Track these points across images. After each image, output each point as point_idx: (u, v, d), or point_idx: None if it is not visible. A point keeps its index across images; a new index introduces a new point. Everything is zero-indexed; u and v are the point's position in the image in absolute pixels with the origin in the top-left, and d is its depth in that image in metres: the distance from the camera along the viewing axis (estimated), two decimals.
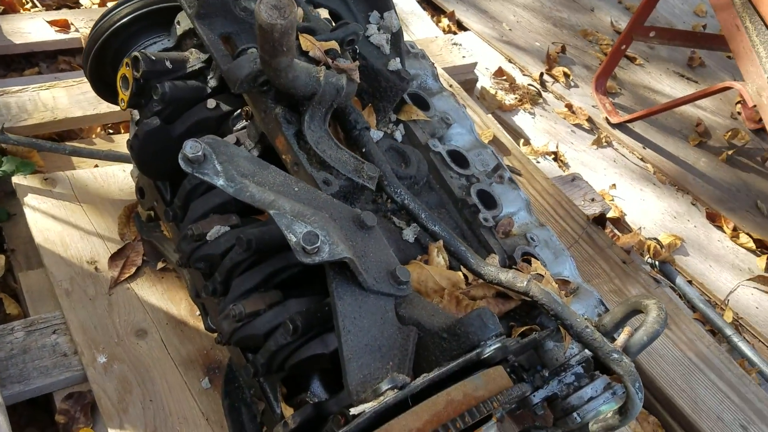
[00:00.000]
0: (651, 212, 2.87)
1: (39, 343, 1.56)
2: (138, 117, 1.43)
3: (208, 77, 1.39)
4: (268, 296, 1.23)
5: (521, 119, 3.15)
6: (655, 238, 2.62)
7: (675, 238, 2.73)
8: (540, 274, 1.41)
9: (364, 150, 1.41)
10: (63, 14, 2.82)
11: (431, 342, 1.06)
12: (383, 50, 1.58)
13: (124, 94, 1.36)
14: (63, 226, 1.79)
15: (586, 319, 1.44)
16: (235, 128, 1.39)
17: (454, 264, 1.39)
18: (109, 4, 2.99)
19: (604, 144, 3.18)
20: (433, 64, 1.87)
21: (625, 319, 1.42)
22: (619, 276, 2.07)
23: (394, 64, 1.55)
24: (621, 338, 1.29)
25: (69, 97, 2.14)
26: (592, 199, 2.50)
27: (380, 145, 1.51)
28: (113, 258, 1.74)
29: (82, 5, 2.98)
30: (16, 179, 1.85)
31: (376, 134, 1.56)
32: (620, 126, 3.25)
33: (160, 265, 1.76)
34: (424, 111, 1.71)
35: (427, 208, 1.55)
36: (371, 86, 1.56)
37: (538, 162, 2.74)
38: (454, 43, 2.98)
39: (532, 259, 1.46)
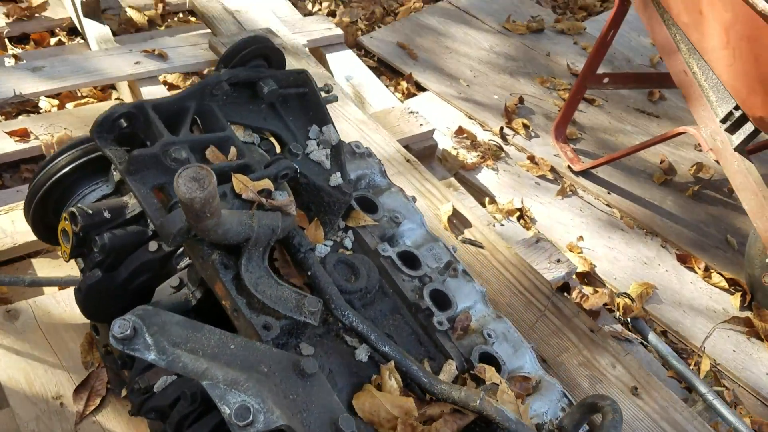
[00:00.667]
0: (621, 260, 2.89)
1: None
2: (83, 265, 1.44)
3: (149, 220, 1.40)
4: None
5: (485, 176, 3.19)
6: (626, 293, 2.63)
7: (647, 287, 2.74)
8: (495, 383, 1.42)
9: (309, 273, 1.43)
10: (21, 122, 2.84)
11: None
12: (324, 165, 1.60)
13: (65, 247, 1.38)
14: (27, 362, 1.79)
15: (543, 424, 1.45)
16: (178, 266, 1.40)
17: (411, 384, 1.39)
18: (68, 106, 3.03)
19: (569, 193, 3.21)
20: (379, 161, 1.90)
21: (584, 419, 1.43)
22: (588, 346, 2.07)
23: (335, 179, 1.58)
24: None
25: None
26: (557, 260, 2.52)
27: (328, 261, 1.52)
28: (77, 390, 1.74)
29: (41, 109, 3.01)
30: None
31: (323, 249, 1.58)
32: (584, 173, 3.29)
33: (124, 392, 1.75)
34: (372, 214, 1.73)
35: (382, 315, 1.57)
36: (315, 202, 1.59)
37: (502, 225, 2.76)
38: (411, 112, 3.02)
39: (486, 368, 1.47)
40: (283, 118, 1.62)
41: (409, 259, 1.67)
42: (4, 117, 2.90)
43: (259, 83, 1.56)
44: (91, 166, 1.45)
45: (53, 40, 3.43)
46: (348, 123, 2.69)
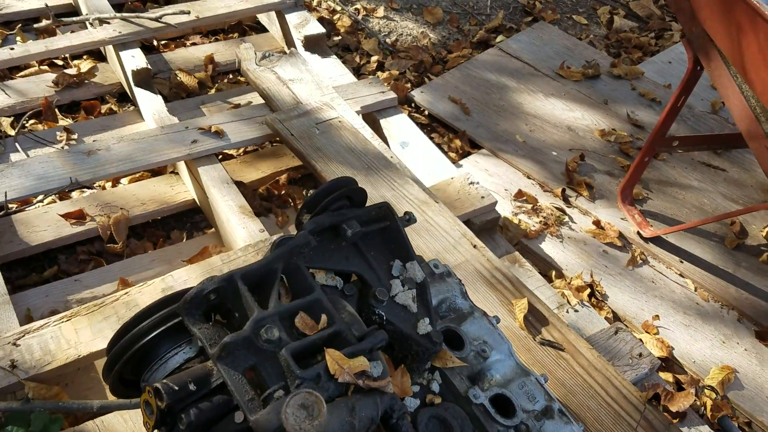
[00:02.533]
0: (699, 340, 2.74)
1: None
2: None
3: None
4: None
5: (549, 246, 3.06)
6: (711, 386, 2.49)
7: (728, 372, 2.59)
8: None
9: None
10: (76, 202, 2.81)
11: None
12: (410, 309, 1.51)
13: (148, 419, 1.30)
14: None
15: None
16: None
17: None
18: (123, 181, 2.99)
19: (639, 262, 3.06)
20: (459, 281, 1.79)
21: None
22: None
23: (423, 326, 1.48)
24: None
25: (91, 326, 2.09)
26: (639, 354, 2.39)
27: (421, 419, 1.43)
28: None
29: (94, 186, 2.97)
30: None
31: (413, 402, 1.48)
32: (654, 239, 3.14)
33: None
34: (458, 350, 1.62)
35: None
36: (402, 350, 1.49)
37: (576, 311, 2.63)
38: (471, 183, 2.91)
39: None
40: (365, 256, 1.53)
41: (503, 404, 1.57)
42: (58, 196, 2.86)
43: (342, 226, 1.47)
44: (174, 327, 1.37)
45: (104, 108, 3.40)
46: (410, 204, 2.59)
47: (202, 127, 2.85)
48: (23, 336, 2.04)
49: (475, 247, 2.50)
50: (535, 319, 2.27)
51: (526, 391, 1.64)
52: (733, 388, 2.57)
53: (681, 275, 3.03)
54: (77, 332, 2.08)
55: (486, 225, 2.90)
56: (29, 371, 1.95)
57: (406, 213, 1.64)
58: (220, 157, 3.04)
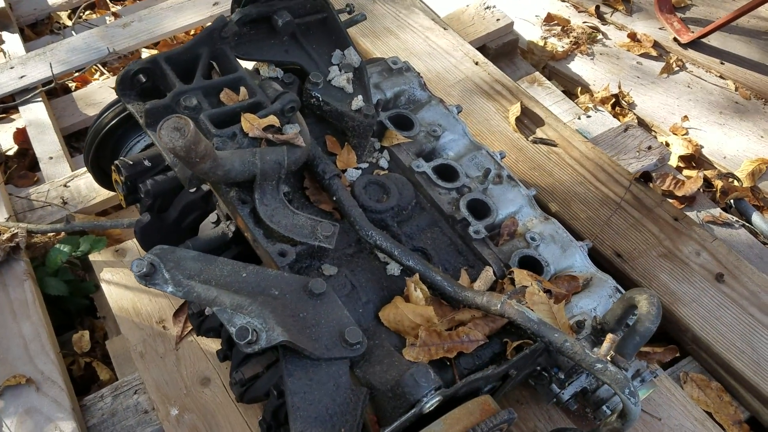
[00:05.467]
0: (733, 137, 2.63)
1: (123, 405, 1.83)
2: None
3: None
4: (265, 358, 1.36)
5: (578, 64, 3.00)
6: (729, 173, 2.42)
7: (760, 162, 2.49)
8: (525, 285, 1.42)
9: (335, 197, 1.49)
10: None
11: (383, 400, 1.14)
12: (346, 90, 1.62)
13: (121, 195, 1.54)
14: (134, 293, 2.04)
15: (576, 322, 1.43)
16: (217, 204, 1.52)
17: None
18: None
19: (675, 69, 2.93)
20: (418, 74, 1.87)
21: (626, 315, 1.40)
22: (670, 236, 1.96)
23: (357, 102, 1.60)
24: (604, 346, 1.28)
25: None
26: (649, 147, 2.36)
27: (358, 183, 1.57)
28: (176, 315, 1.97)
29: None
30: (93, 257, 2.14)
31: (354, 172, 1.62)
32: (693, 44, 2.98)
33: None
34: (408, 131, 1.73)
35: (419, 230, 1.61)
36: (342, 127, 1.62)
37: (589, 116, 2.61)
38: (487, 7, 2.88)
39: (517, 271, 1.47)
40: (305, 48, 1.65)
41: (447, 172, 1.67)
42: (112, 73, 3.17)
43: (273, 17, 1.59)
44: (134, 119, 1.58)
45: None
46: (413, 33, 2.64)
47: None
48: (72, 179, 2.38)
49: (476, 63, 2.52)
50: (531, 121, 2.31)
51: (476, 163, 1.73)
52: (766, 178, 2.48)
53: (721, 77, 2.88)
54: None
55: (504, 49, 2.89)
56: (77, 206, 2.29)
57: (347, 4, 1.73)
58: None
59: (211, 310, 1.44)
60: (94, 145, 1.61)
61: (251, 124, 1.36)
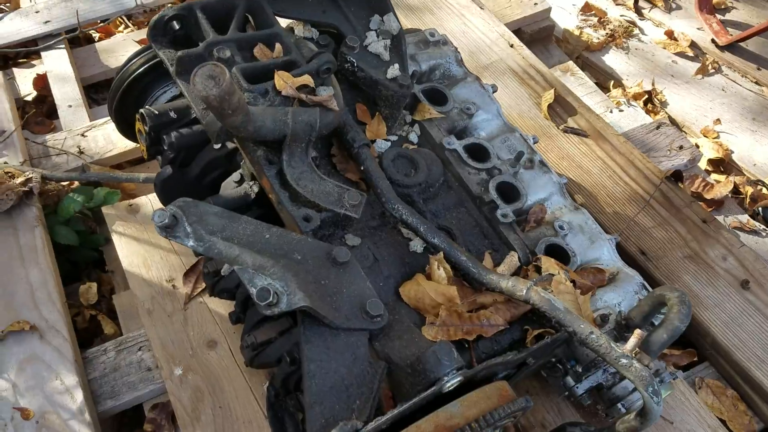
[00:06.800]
0: (765, 144, 2.57)
1: (127, 360, 1.79)
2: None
3: None
4: (279, 324, 1.33)
5: (613, 58, 2.93)
6: (760, 180, 2.36)
7: None
8: (552, 273, 1.37)
9: (362, 167, 1.45)
10: None
11: (402, 376, 1.10)
12: (382, 57, 1.57)
13: (143, 146, 1.50)
14: (145, 249, 2.01)
15: (602, 316, 1.39)
16: (242, 163, 1.48)
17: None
18: None
19: (711, 71, 2.86)
20: (455, 49, 1.82)
21: (653, 312, 1.35)
22: (697, 238, 1.91)
23: (392, 71, 1.54)
24: (631, 341, 1.23)
25: None
26: (680, 147, 2.30)
27: (386, 156, 1.52)
28: (187, 274, 1.93)
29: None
30: (106, 209, 2.10)
31: (383, 144, 1.58)
32: (730, 47, 2.90)
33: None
34: (441, 106, 1.68)
35: (445, 208, 1.56)
36: (374, 96, 1.57)
37: (621, 111, 2.55)
38: None
39: (544, 258, 1.42)
40: (343, 10, 1.59)
41: (478, 152, 1.63)
42: (137, 27, 3.11)
43: None
44: (162, 67, 1.53)
45: None
46: (449, 10, 2.58)
47: None
48: (90, 129, 2.33)
49: (512, 46, 2.46)
50: (563, 110, 2.25)
51: (508, 145, 1.68)
52: None
53: (757, 83, 2.81)
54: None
55: (539, 34, 2.83)
56: (94, 156, 2.25)
57: None
58: None
59: (229, 269, 1.40)
60: (120, 92, 1.57)
61: (285, 82, 1.31)
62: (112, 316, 1.99)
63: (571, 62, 2.80)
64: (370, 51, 1.56)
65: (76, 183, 2.14)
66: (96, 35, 3.02)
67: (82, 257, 2.12)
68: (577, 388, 1.46)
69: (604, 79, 2.87)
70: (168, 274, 1.96)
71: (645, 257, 1.87)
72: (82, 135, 2.31)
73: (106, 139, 2.30)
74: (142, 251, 2.00)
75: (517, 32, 2.74)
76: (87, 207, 2.10)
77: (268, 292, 1.06)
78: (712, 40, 2.93)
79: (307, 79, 1.33)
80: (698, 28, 3.00)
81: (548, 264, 1.40)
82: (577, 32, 2.98)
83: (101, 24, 2.92)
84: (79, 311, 1.99)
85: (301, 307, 1.08)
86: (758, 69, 2.83)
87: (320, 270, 1.16)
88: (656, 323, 1.33)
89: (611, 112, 2.53)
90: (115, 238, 2.03)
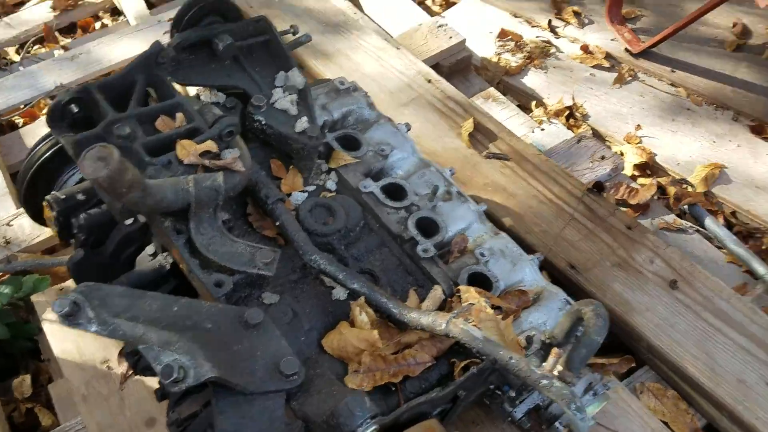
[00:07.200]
0: (686, 143, 2.64)
1: None
2: None
3: None
4: (202, 396, 1.30)
5: (532, 78, 3.00)
6: (683, 179, 2.42)
7: (713, 167, 2.50)
8: (472, 303, 1.38)
9: (278, 222, 1.45)
10: None
11: None
12: (290, 112, 1.59)
13: (55, 231, 1.48)
14: (77, 333, 1.95)
15: (527, 341, 1.40)
16: (154, 236, 1.47)
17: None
18: None
19: (628, 79, 2.95)
20: (366, 93, 1.85)
21: (574, 328, 1.37)
22: (623, 245, 1.95)
23: (300, 124, 1.56)
24: (549, 361, 1.24)
25: None
26: (602, 157, 2.36)
27: (303, 207, 1.53)
28: (121, 353, 1.89)
29: None
30: (35, 297, 2.05)
31: (300, 196, 1.58)
32: (644, 54, 3.00)
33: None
34: (355, 151, 1.70)
35: (368, 251, 1.57)
36: (286, 150, 1.59)
37: (542, 129, 2.60)
38: (439, 26, 2.88)
39: (463, 288, 1.43)
40: (248, 71, 1.61)
41: (395, 191, 1.64)
42: None
43: (213, 41, 1.55)
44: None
45: (98, 25, 3.59)
46: (366, 53, 2.62)
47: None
48: (16, 218, 2.30)
49: (429, 81, 2.51)
50: (484, 137, 2.29)
51: (426, 180, 1.70)
52: (719, 183, 2.49)
53: (672, 85, 2.90)
54: None
55: (457, 66, 2.89)
56: (21, 245, 2.21)
57: (291, 25, 1.70)
58: None
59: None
60: (27, 179, 1.55)
61: (187, 150, 1.31)
62: (50, 405, 1.94)
63: (492, 89, 2.86)
64: (277, 108, 1.58)
65: (4, 274, 2.10)
66: (20, 120, 3.00)
67: (17, 348, 2.06)
68: (515, 412, 1.46)
69: (526, 101, 2.93)
70: (102, 355, 1.91)
71: (574, 271, 1.90)
72: (8, 225, 2.27)
73: (33, 225, 2.26)
74: (73, 336, 1.95)
75: (436, 67, 2.79)
76: (17, 297, 2.05)
77: (172, 369, 1.04)
78: (626, 49, 3.03)
79: (210, 145, 1.34)
80: (612, 39, 3.10)
81: (468, 294, 1.41)
82: (495, 59, 3.05)
83: (24, 108, 2.91)
84: (15, 406, 1.93)
85: (210, 379, 1.06)
86: (672, 71, 2.93)
87: (232, 335, 1.15)
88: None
89: (533, 131, 2.58)
90: (45, 326, 1.98)
